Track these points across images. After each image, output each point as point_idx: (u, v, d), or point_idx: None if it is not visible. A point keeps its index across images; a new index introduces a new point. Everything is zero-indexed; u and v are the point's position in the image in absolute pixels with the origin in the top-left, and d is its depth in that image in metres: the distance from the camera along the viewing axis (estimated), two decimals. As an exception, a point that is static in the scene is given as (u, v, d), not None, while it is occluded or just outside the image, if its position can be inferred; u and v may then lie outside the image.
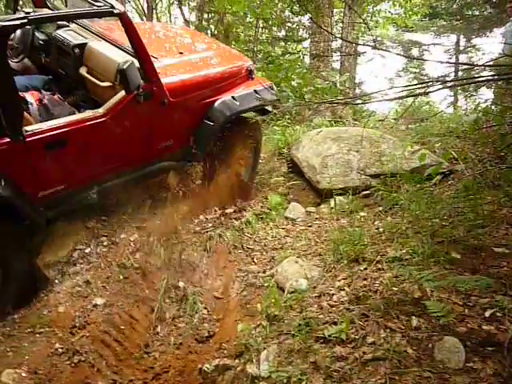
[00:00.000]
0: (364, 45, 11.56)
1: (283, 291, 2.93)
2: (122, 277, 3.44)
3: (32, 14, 3.42)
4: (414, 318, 2.27)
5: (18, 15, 3.34)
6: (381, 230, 3.66)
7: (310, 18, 9.11)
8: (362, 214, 4.17)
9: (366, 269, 2.88)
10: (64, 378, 2.70)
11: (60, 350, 2.84)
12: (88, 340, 2.91)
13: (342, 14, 12.96)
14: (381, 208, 4.17)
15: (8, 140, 3.24)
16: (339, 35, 13.64)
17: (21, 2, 8.51)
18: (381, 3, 14.82)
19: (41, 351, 2.87)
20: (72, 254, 3.69)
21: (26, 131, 3.35)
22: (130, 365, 2.83)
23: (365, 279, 2.74)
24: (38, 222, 3.52)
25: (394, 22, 15.86)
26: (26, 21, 3.26)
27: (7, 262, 3.37)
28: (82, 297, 3.29)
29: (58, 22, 4.44)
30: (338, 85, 9.76)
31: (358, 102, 4.78)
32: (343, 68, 12.96)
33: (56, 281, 3.51)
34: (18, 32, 4.37)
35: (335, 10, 13.51)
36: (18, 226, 3.45)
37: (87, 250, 3.71)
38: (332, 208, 4.43)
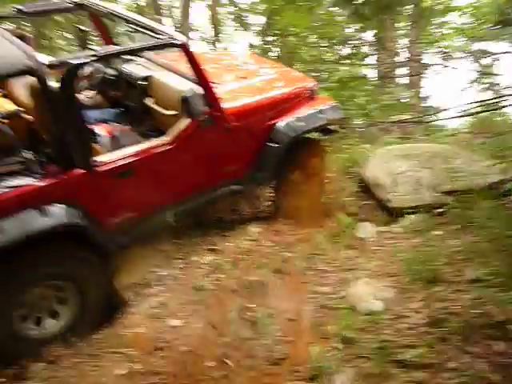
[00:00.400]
0: (429, 65, 11.25)
1: (356, 312, 2.88)
2: (196, 299, 3.52)
3: (99, 51, 3.65)
4: (497, 342, 2.17)
5: (87, 53, 3.58)
6: (457, 249, 3.54)
7: (375, 38, 9.03)
8: (437, 232, 4.05)
9: (443, 290, 2.78)
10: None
11: (141, 370, 2.93)
12: (166, 361, 2.99)
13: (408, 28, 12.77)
14: (456, 226, 4.04)
15: (80, 171, 3.45)
16: (405, 49, 13.45)
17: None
18: (447, 14, 14.48)
19: (122, 371, 2.98)
20: (148, 277, 3.83)
21: (97, 161, 3.55)
22: (205, 386, 2.88)
23: (443, 301, 2.65)
24: (111, 248, 3.70)
25: (462, 32, 15.42)
26: (94, 58, 3.49)
27: (85, 287, 3.57)
28: (158, 318, 3.40)
29: (126, 58, 4.71)
30: (405, 101, 9.59)
31: (430, 119, 4.65)
32: (411, 82, 12.71)
33: (133, 303, 3.65)
34: (90, 69, 4.67)
35: (400, 24, 13.35)
36: (92, 253, 3.64)
37: (162, 273, 3.84)
38: (404, 227, 4.33)
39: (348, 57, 11.91)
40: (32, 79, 3.45)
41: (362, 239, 4.27)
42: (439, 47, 14.47)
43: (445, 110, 6.21)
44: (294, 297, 3.48)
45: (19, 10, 4.30)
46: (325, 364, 2.46)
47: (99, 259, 3.68)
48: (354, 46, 11.94)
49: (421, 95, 12.99)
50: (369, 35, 12.06)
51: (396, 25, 12.51)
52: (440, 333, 2.31)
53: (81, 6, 4.58)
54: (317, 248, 4.04)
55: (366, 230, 4.43)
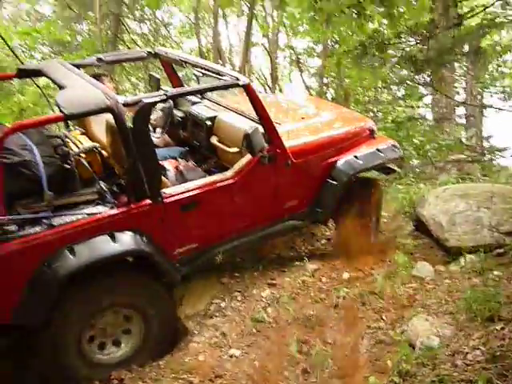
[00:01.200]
0: (487, 106, 11.13)
1: (414, 348, 2.92)
2: (255, 330, 3.65)
3: (170, 91, 3.96)
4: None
5: (157, 93, 3.90)
6: (518, 289, 3.50)
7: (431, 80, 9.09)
8: (496, 273, 4.01)
9: (502, 328, 2.79)
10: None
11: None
12: (226, 388, 3.12)
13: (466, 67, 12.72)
14: (517, 267, 3.99)
15: (149, 201, 3.71)
16: (462, 89, 13.36)
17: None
18: (507, 53, 14.34)
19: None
20: (209, 308, 4.00)
21: (164, 193, 3.80)
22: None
23: (502, 339, 2.66)
24: (175, 277, 3.88)
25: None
26: (164, 97, 3.79)
27: (149, 315, 3.74)
28: (219, 347, 3.54)
29: (193, 100, 5.04)
30: (463, 140, 9.52)
31: (485, 158, 4.67)
32: (469, 122, 12.59)
33: (195, 331, 3.81)
34: (160, 112, 5.03)
35: (457, 64, 13.31)
36: (158, 282, 3.84)
37: (222, 304, 4.00)
38: (463, 267, 4.31)
39: (403, 98, 11.99)
40: (108, 117, 3.81)
41: (419, 278, 4.28)
42: (498, 86, 14.29)
43: (503, 149, 6.17)
44: (351, 331, 3.54)
45: (99, 59, 4.74)
46: (382, 396, 2.52)
47: (164, 289, 3.89)
48: (410, 87, 12.00)
49: (482, 135, 12.79)
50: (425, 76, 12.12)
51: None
52: (499, 369, 2.33)
53: (154, 55, 4.99)
54: (373, 285, 4.08)
55: (423, 268, 4.42)
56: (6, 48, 9.54)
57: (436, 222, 4.92)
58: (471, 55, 11.49)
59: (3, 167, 3.30)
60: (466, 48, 9.93)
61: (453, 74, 11.51)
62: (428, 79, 8.46)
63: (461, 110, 13.16)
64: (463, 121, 13.07)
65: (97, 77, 4.34)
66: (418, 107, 13.02)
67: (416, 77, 9.66)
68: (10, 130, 3.29)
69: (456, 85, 12.86)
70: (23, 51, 12.59)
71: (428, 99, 13.04)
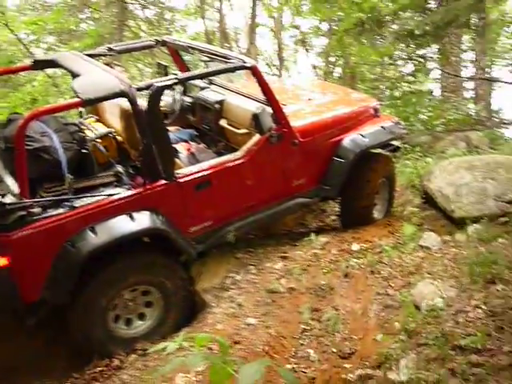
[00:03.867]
0: (496, 79, 11.07)
1: (419, 310, 3.09)
2: (269, 300, 3.83)
3: (180, 75, 4.11)
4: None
5: (168, 77, 4.05)
6: (520, 254, 3.65)
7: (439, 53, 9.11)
8: (501, 240, 4.14)
9: (503, 289, 2.95)
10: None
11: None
12: (243, 352, 3.32)
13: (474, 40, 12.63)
14: (520, 234, 4.12)
15: (164, 182, 3.88)
16: (470, 63, 13.28)
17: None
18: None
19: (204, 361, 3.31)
20: (225, 281, 4.19)
21: (178, 174, 3.98)
22: (280, 375, 3.17)
23: (502, 298, 2.82)
24: (191, 254, 4.08)
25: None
26: (175, 80, 3.94)
27: (168, 291, 3.95)
28: (235, 317, 3.73)
29: (201, 85, 5.18)
30: (472, 114, 9.54)
31: (487, 126, 4.75)
32: (478, 96, 12.55)
33: (213, 304, 4.01)
34: (170, 98, 5.18)
35: (465, 37, 13.21)
36: (175, 259, 4.04)
37: (238, 277, 4.18)
38: (468, 236, 4.45)
39: (411, 73, 11.97)
40: (121, 103, 3.97)
41: (426, 247, 4.42)
42: (508, 59, 14.17)
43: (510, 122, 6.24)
44: (360, 298, 3.72)
45: (110, 49, 4.89)
46: (391, 352, 2.70)
47: (181, 265, 4.09)
48: (417, 62, 11.97)
49: (491, 108, 12.75)
50: (433, 50, 12.08)
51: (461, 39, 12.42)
52: (497, 323, 2.49)
53: (162, 43, 5.13)
54: (382, 255, 4.24)
55: (430, 238, 4.56)
56: (12, 37, 9.72)
57: (442, 194, 5.05)
58: (479, 27, 11.44)
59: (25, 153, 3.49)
60: (474, 20, 9.91)
61: (459, 47, 11.48)
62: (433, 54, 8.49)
63: (469, 84, 13.12)
64: (472, 94, 13.03)
65: (110, 66, 4.49)
66: (425, 82, 12.99)
67: (421, 52, 9.69)
68: (30, 117, 3.47)
69: (464, 58, 12.80)
70: (30, 41, 12.74)
71: (436, 74, 13.03)
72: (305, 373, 3.18)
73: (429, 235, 4.63)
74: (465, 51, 12.93)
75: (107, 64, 4.60)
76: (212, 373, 1.53)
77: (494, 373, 2.18)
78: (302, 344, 3.44)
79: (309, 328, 3.56)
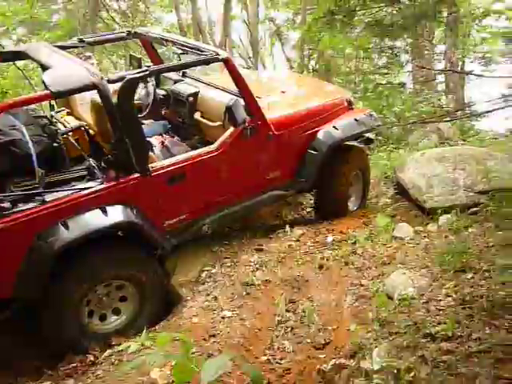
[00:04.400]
0: (467, 72, 11.25)
1: (392, 300, 3.14)
2: (244, 293, 3.83)
3: (152, 67, 4.06)
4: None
5: (140, 69, 4.00)
6: (490, 244, 3.73)
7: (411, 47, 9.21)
8: (471, 230, 4.23)
9: (472, 278, 3.02)
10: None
11: (196, 353, 3.27)
12: (219, 345, 3.32)
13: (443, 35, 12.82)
14: (490, 224, 4.21)
15: (137, 175, 3.85)
16: (442, 57, 13.48)
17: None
18: (486, 18, 14.43)
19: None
20: (200, 275, 4.18)
21: (152, 167, 3.94)
22: (255, 367, 3.18)
23: (472, 286, 2.89)
24: (166, 248, 4.05)
25: (504, 36, 15.26)
26: (147, 72, 3.89)
27: (143, 285, 3.91)
28: (211, 310, 3.73)
29: (175, 78, 5.13)
30: (443, 107, 9.69)
31: (448, 118, 4.83)
32: (448, 89, 12.74)
33: (188, 297, 4.00)
34: (143, 91, 5.12)
35: (436, 32, 13.40)
36: (150, 253, 4.00)
37: (213, 271, 4.18)
38: (440, 226, 4.54)
39: (384, 66, 12.11)
40: (92, 96, 3.91)
41: (400, 238, 4.49)
42: (478, 52, 14.41)
43: (480, 114, 6.36)
44: (335, 289, 3.76)
45: (81, 40, 4.81)
46: (364, 341, 2.74)
47: (155, 259, 4.06)
48: (390, 55, 12.10)
49: (464, 102, 12.97)
50: (406, 43, 12.22)
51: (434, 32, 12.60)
52: (467, 311, 2.55)
53: (134, 35, 5.07)
54: (356, 246, 4.30)
55: (403, 229, 4.64)
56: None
57: (415, 186, 5.14)
58: (450, 21, 11.59)
59: (-6, 147, 3.42)
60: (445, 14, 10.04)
61: (431, 41, 11.65)
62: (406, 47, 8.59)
63: (441, 78, 13.32)
64: (443, 87, 13.24)
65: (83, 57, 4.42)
66: (398, 75, 13.14)
67: (395, 44, 9.78)
68: (-1, 110, 3.39)
69: (437, 51, 12.98)
70: (0, 33, 12.45)
71: (409, 67, 13.19)
72: (280, 364, 3.20)
73: (402, 226, 4.71)
74: (437, 45, 13.12)
75: (81, 58, 4.53)
76: (175, 372, 1.52)
77: (463, 359, 2.23)
78: (277, 336, 3.46)
79: (284, 320, 3.58)
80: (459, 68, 13.33)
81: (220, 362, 1.48)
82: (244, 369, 1.55)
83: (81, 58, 4.23)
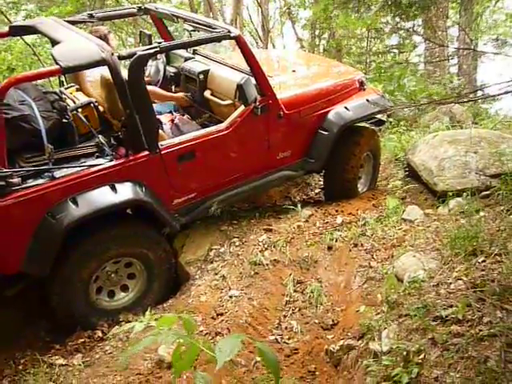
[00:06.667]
0: (481, 52, 11.05)
1: (402, 282, 3.12)
2: (253, 272, 3.83)
3: (162, 43, 4.01)
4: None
5: (151, 46, 3.95)
6: (502, 228, 3.69)
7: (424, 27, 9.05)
8: (482, 213, 4.18)
9: (484, 261, 2.98)
10: (208, 354, 3.14)
11: (204, 331, 3.28)
12: (227, 324, 3.33)
13: (458, 15, 12.59)
14: (502, 207, 4.16)
15: (147, 153, 3.83)
16: (455, 37, 13.27)
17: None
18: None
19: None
20: (209, 253, 4.19)
21: (161, 145, 3.92)
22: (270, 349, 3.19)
23: (483, 270, 2.85)
24: (175, 226, 4.05)
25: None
26: (158, 49, 3.84)
27: (151, 263, 3.93)
28: (219, 289, 3.74)
29: (185, 56, 5.07)
30: (456, 88, 9.55)
31: (465, 99, 4.73)
32: (461, 71, 12.55)
33: (196, 276, 4.02)
34: (153, 68, 5.06)
35: (450, 12, 13.14)
36: (158, 231, 4.01)
37: (222, 250, 4.18)
38: (450, 209, 4.49)
39: (396, 47, 11.92)
40: (102, 72, 3.87)
41: (409, 221, 4.45)
42: (492, 34, 14.15)
43: (492, 96, 6.25)
44: (344, 271, 3.75)
45: (91, 15, 4.75)
46: (372, 323, 2.73)
47: (164, 237, 4.07)
48: (403, 35, 11.90)
49: (475, 83, 12.78)
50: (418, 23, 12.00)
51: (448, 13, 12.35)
52: (478, 295, 2.53)
53: (144, 10, 4.99)
54: (365, 228, 4.27)
55: (413, 212, 4.60)
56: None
57: (426, 168, 5.07)
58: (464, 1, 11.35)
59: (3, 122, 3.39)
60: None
61: (445, 21, 11.42)
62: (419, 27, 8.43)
63: (454, 60, 13.11)
64: (456, 69, 13.05)
65: (101, 35, 4.35)
66: (410, 56, 12.96)
67: (407, 25, 9.61)
68: (8, 84, 3.36)
69: (450, 33, 12.76)
70: (10, 8, 12.34)
71: (421, 49, 12.99)
72: (287, 344, 3.21)
73: (412, 208, 4.66)
74: (451, 26, 12.88)
75: (99, 35, 4.46)
76: (174, 357, 1.50)
77: (474, 343, 2.22)
78: (285, 316, 3.47)
79: (292, 300, 3.59)
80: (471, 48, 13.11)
81: (234, 342, 1.46)
82: (258, 346, 1.52)
83: (98, 36, 4.16)
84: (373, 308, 3.06)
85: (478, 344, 2.20)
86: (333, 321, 3.29)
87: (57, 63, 3.40)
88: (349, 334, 2.95)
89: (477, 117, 8.34)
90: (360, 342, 2.71)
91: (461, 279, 2.80)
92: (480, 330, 2.27)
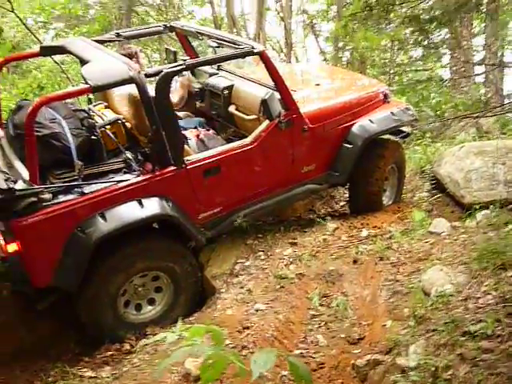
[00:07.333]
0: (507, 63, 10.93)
1: (429, 296, 3.09)
2: (278, 286, 3.84)
3: (188, 61, 4.09)
4: None
5: (177, 63, 4.03)
6: (531, 241, 3.62)
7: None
8: (511, 226, 4.12)
9: (513, 275, 2.93)
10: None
11: (230, 345, 3.29)
12: (253, 338, 3.33)
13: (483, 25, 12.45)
14: (531, 221, 4.09)
15: (173, 168, 3.89)
16: (481, 47, 13.11)
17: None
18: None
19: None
20: (234, 267, 4.22)
21: (187, 160, 3.98)
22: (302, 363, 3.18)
23: (512, 284, 2.81)
24: (201, 240, 4.10)
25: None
26: (184, 66, 3.93)
27: (177, 276, 3.98)
28: (245, 303, 3.75)
29: (210, 71, 5.16)
30: (482, 100, 9.43)
31: (490, 114, 4.69)
32: (488, 81, 12.39)
33: (222, 290, 4.04)
34: (178, 84, 5.15)
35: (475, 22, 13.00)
36: (184, 245, 4.06)
37: (247, 263, 4.21)
38: (478, 222, 4.43)
39: (421, 58, 11.84)
40: (130, 90, 3.97)
41: (436, 233, 4.41)
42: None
43: (506, 104, 6.17)
44: (369, 284, 3.72)
45: (118, 34, 4.88)
46: (400, 338, 2.71)
47: (190, 251, 4.11)
48: (427, 47, 11.82)
49: (502, 93, 12.60)
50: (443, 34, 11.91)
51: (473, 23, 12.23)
52: (508, 310, 2.49)
53: (170, 28, 5.11)
54: (391, 241, 4.24)
55: (440, 224, 4.55)
56: (20, 24, 9.70)
57: (452, 180, 5.04)
58: (490, 11, 11.23)
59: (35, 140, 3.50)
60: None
61: (470, 31, 11.32)
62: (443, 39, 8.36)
63: (480, 69, 12.97)
64: (482, 79, 12.88)
65: (131, 53, 4.49)
66: (435, 67, 12.85)
67: (431, 37, 9.54)
68: (40, 103, 3.47)
69: (474, 42, 12.62)
70: (39, 27, 12.72)
71: (446, 59, 12.86)
72: (313, 358, 3.19)
73: (438, 221, 4.62)
74: (476, 35, 12.75)
75: (130, 53, 4.58)
76: (203, 369, 1.51)
77: (504, 358, 2.18)
78: (310, 329, 3.45)
79: (318, 314, 3.57)
80: (499, 60, 12.95)
81: (269, 355, 1.48)
82: (291, 364, 1.53)
83: (129, 54, 4.27)
84: (400, 322, 3.03)
85: (507, 360, 2.16)
86: (359, 335, 3.26)
87: (86, 82, 3.50)
88: (375, 348, 2.92)
89: (504, 127, 8.22)
90: (387, 356, 2.68)
91: (490, 294, 2.76)
92: (510, 346, 2.24)
